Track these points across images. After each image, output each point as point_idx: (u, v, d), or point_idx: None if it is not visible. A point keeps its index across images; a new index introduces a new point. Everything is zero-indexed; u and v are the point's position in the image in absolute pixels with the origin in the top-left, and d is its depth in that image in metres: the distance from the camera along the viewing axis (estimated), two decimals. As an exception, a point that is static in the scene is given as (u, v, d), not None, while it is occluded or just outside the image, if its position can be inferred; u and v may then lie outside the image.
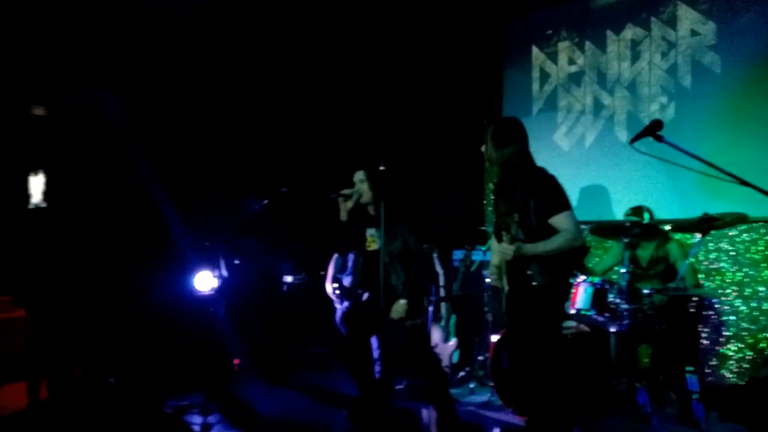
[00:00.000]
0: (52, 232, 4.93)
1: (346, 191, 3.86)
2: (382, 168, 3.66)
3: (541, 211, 3.00)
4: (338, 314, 4.94)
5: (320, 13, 5.78)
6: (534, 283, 2.99)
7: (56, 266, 4.72)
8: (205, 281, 4.58)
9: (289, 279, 6.02)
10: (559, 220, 2.97)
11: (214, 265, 4.77)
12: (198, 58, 5.69)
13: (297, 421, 4.08)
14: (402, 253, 3.75)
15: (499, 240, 3.06)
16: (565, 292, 3.33)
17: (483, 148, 3.29)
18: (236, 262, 4.88)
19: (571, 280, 3.78)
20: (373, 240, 3.86)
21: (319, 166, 6.28)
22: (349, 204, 3.85)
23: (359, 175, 3.93)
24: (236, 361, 5.03)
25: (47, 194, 5.54)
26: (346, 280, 4.86)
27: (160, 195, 5.16)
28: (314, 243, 5.98)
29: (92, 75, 5.23)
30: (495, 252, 3.33)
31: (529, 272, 2.99)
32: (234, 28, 5.67)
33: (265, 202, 4.92)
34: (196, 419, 3.94)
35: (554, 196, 3.03)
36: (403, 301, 3.66)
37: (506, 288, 3.15)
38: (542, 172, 3.15)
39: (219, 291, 4.59)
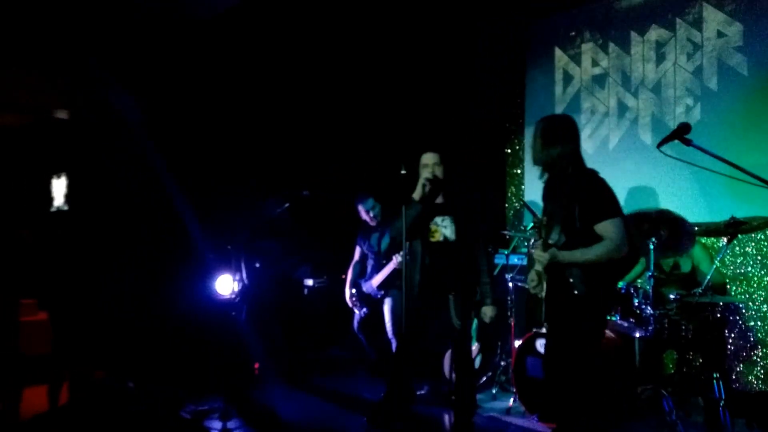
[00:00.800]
0: (75, 235, 4.97)
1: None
2: (403, 172, 3.56)
3: (587, 217, 2.86)
4: (356, 320, 4.92)
5: (347, 13, 5.78)
6: (575, 292, 2.85)
7: (78, 269, 4.76)
8: (226, 285, 4.59)
9: (310, 282, 6.03)
10: (604, 227, 2.83)
11: (235, 269, 4.78)
12: (220, 60, 5.73)
13: (317, 426, 4.07)
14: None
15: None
16: (608, 302, 3.19)
17: (531, 144, 3.13)
18: (257, 265, 4.89)
19: (617, 287, 3.70)
20: (436, 230, 3.56)
21: (339, 170, 6.30)
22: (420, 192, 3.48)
23: (431, 158, 3.58)
24: (257, 365, 5.03)
25: (69, 197, 5.60)
26: (366, 286, 4.84)
27: (182, 198, 5.19)
28: (335, 246, 5.98)
29: (113, 78, 5.27)
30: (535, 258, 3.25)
31: (570, 280, 2.85)
32: (255, 31, 5.69)
33: (287, 205, 4.93)
34: (216, 424, 3.94)
35: (601, 202, 2.88)
36: (492, 307, 3.60)
37: (542, 295, 3.02)
38: (592, 175, 2.99)
39: (239, 295, 4.60)
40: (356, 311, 4.90)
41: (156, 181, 5.26)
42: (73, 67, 5.45)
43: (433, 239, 3.57)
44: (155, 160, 5.23)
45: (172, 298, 4.73)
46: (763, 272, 4.61)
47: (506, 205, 6.34)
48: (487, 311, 3.59)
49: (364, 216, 4.92)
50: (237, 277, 4.70)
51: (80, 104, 5.69)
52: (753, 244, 4.63)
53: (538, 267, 2.96)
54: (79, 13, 5.07)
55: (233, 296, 4.54)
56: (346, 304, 5.03)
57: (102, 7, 5.07)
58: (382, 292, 4.71)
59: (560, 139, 2.98)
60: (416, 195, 3.51)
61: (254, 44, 5.80)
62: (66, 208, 6.13)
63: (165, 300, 4.75)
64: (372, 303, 4.85)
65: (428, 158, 3.58)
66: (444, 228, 3.55)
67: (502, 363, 4.71)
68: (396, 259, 4.53)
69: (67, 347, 4.30)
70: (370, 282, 4.78)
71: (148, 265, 4.96)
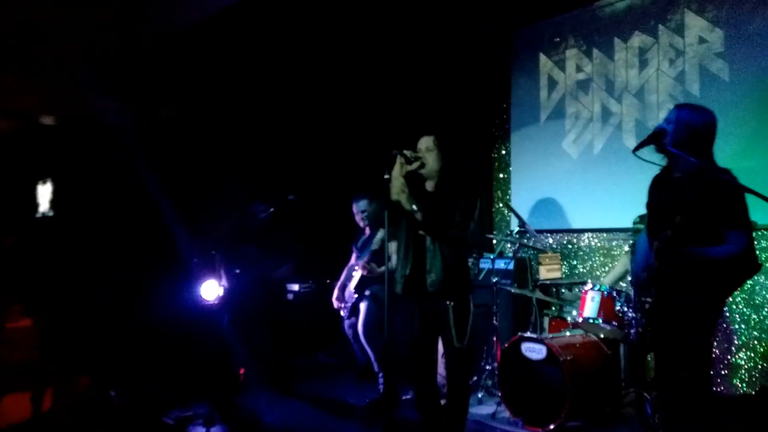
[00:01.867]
0: (60, 240, 4.95)
1: (408, 152, 3.15)
2: (386, 176, 3.51)
3: (719, 220, 2.62)
4: (346, 322, 4.90)
5: (328, 18, 5.80)
6: (689, 300, 2.64)
7: (64, 275, 4.74)
8: (211, 290, 4.57)
9: (296, 287, 6.02)
10: (734, 236, 2.61)
11: (218, 274, 4.77)
12: (207, 65, 5.72)
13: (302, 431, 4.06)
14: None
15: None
16: (718, 312, 2.94)
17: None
18: (237, 271, 4.87)
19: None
20: None
21: (325, 174, 6.31)
22: (407, 168, 3.10)
23: (426, 142, 3.26)
24: (242, 371, 5.01)
25: (55, 203, 5.58)
26: (348, 287, 4.82)
27: (166, 203, 5.18)
28: (322, 251, 5.98)
29: (99, 84, 5.27)
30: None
31: (684, 286, 2.65)
32: (242, 36, 5.69)
33: (272, 209, 4.93)
34: (200, 430, 3.91)
35: (739, 207, 2.63)
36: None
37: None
38: (730, 176, 2.66)
39: (221, 300, 4.58)
40: (342, 313, 4.88)
41: (141, 186, 5.25)
42: (59, 73, 5.44)
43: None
44: (141, 165, 5.22)
45: (156, 304, 4.71)
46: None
47: (492, 209, 6.36)
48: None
49: (355, 217, 4.89)
50: (221, 282, 4.69)
51: (66, 110, 5.68)
52: (735, 247, 4.67)
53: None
54: (65, 18, 5.06)
55: (217, 301, 4.53)
56: (332, 309, 5.01)
57: (88, 13, 5.06)
58: (356, 296, 4.69)
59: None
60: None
61: (241, 49, 5.81)
62: (51, 214, 6.10)
63: (150, 305, 4.74)
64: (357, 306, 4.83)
65: (422, 143, 3.30)
66: None
67: (488, 367, 4.72)
68: (359, 264, 4.53)
69: (51, 353, 4.27)
70: (350, 285, 4.78)
71: (133, 271, 4.95)
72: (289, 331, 5.57)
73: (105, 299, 4.78)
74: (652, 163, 2.80)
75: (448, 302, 3.09)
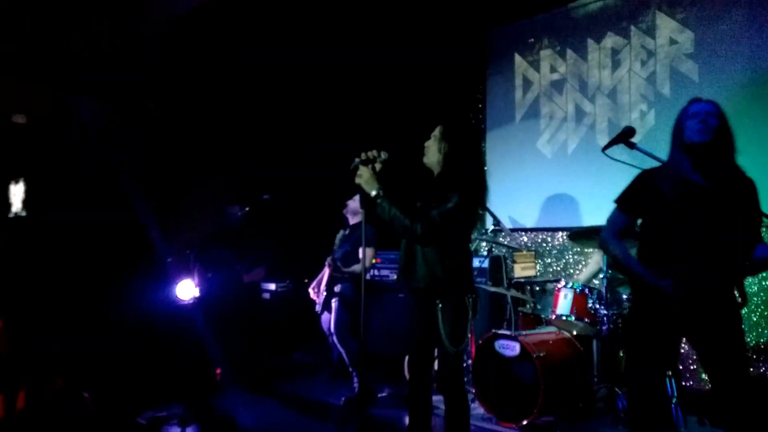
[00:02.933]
0: (32, 240, 4.88)
1: (364, 154, 2.99)
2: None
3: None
4: (324, 320, 4.89)
5: (305, 17, 5.79)
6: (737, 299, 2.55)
7: (36, 275, 4.68)
8: (186, 290, 4.55)
9: (272, 287, 6.00)
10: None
11: (193, 274, 4.75)
12: (180, 63, 5.68)
13: (278, 431, 4.06)
14: None
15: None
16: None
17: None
18: (209, 275, 4.85)
19: None
20: None
21: (301, 173, 6.30)
22: (378, 167, 2.95)
23: (435, 131, 3.14)
24: (218, 371, 5.00)
25: (27, 203, 5.49)
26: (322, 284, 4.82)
27: (142, 202, 5.13)
28: (298, 250, 5.98)
29: (70, 81, 5.20)
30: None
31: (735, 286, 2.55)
32: (213, 34, 5.66)
33: (247, 209, 4.91)
34: (175, 431, 3.90)
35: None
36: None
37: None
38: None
39: (195, 300, 4.56)
40: (317, 308, 4.88)
41: (115, 185, 5.19)
42: (32, 71, 5.36)
43: None
44: (115, 164, 5.17)
45: (131, 303, 4.67)
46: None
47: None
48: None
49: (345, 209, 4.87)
50: (195, 282, 4.67)
51: (39, 108, 5.59)
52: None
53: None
54: (37, 15, 4.99)
55: (192, 301, 4.51)
56: (308, 308, 5.01)
57: (62, 10, 5.00)
58: (325, 294, 4.70)
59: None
60: None
61: (215, 48, 5.78)
62: (24, 213, 6.01)
63: (124, 305, 4.69)
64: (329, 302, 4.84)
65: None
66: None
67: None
68: (328, 261, 4.54)
69: (24, 354, 4.22)
70: (320, 286, 4.79)
71: (106, 271, 4.89)
72: (266, 331, 5.57)
73: (77, 299, 4.73)
74: (622, 162, 2.83)
75: (437, 302, 2.88)
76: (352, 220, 4.82)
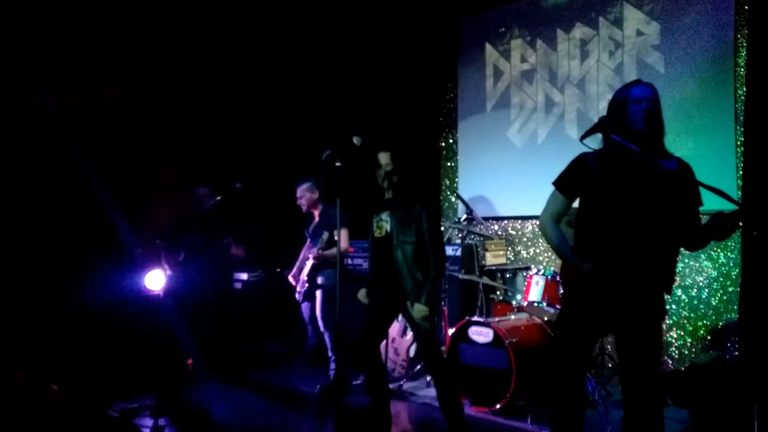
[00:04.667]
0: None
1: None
2: (338, 164, 3.54)
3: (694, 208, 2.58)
4: (304, 308, 4.85)
5: (275, 6, 5.72)
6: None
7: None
8: (156, 280, 4.47)
9: (244, 276, 5.94)
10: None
11: (161, 264, 4.67)
12: (144, 48, 5.54)
13: (252, 421, 4.04)
14: (416, 247, 3.36)
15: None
16: None
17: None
18: (180, 258, 4.77)
19: None
20: (381, 225, 3.51)
21: (272, 162, 6.23)
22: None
23: (384, 157, 3.51)
24: (190, 361, 4.93)
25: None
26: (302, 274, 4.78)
27: (107, 192, 5.01)
28: (271, 240, 5.92)
29: (30, 64, 5.02)
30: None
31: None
32: (180, 16, 5.55)
33: (219, 198, 4.84)
34: (147, 422, 3.84)
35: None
36: (423, 307, 3.30)
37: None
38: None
39: (166, 290, 4.49)
40: (297, 294, 4.84)
41: (80, 172, 5.05)
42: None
43: (377, 235, 3.53)
44: (75, 151, 5.01)
45: (98, 294, 4.57)
46: (677, 259, 4.89)
47: (440, 197, 6.46)
48: (416, 310, 3.33)
49: (298, 201, 4.81)
50: (165, 272, 4.59)
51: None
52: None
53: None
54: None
55: (162, 291, 4.43)
56: (281, 298, 4.98)
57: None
58: (308, 284, 4.68)
59: None
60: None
61: (182, 32, 5.66)
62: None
63: (91, 296, 4.58)
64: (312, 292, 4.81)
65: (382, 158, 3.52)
66: (385, 223, 3.49)
67: (437, 351, 4.81)
68: (312, 254, 4.52)
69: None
70: (304, 270, 4.76)
71: (72, 261, 4.77)
72: (238, 320, 5.52)
73: (42, 290, 4.61)
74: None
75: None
76: (316, 210, 4.77)
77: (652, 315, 2.51)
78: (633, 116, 2.52)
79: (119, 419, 3.88)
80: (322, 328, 4.61)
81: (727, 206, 2.35)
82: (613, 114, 2.58)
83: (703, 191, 2.49)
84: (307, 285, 4.65)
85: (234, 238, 4.80)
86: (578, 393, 2.64)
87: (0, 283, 4.47)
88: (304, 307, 4.78)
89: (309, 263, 4.61)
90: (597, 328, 2.65)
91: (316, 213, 4.76)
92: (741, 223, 2.41)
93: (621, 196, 2.50)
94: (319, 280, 4.61)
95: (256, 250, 5.54)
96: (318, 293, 4.63)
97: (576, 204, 2.76)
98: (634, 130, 2.51)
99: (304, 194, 4.70)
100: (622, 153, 2.50)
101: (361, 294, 3.67)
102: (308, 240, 4.88)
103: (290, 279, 4.89)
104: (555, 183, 2.76)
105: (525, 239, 5.79)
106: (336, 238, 3.84)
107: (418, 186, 3.47)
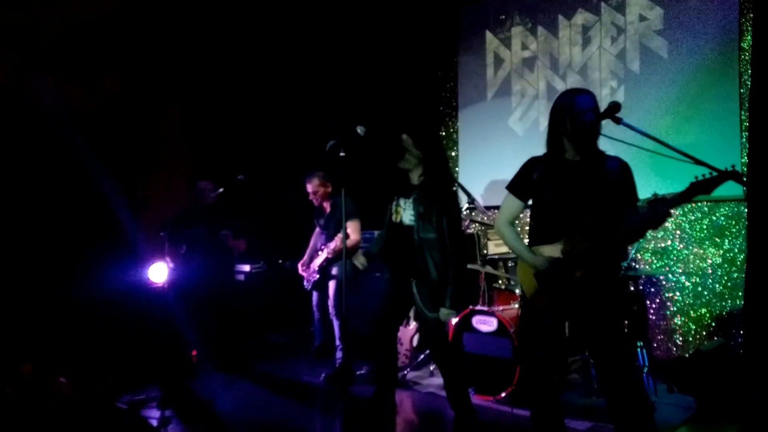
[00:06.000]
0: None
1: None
2: (342, 154, 3.49)
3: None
4: (315, 299, 4.86)
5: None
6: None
7: (3, 258, 4.52)
8: (160, 272, 4.46)
9: (246, 268, 5.93)
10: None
11: (165, 256, 4.66)
12: (146, 38, 5.50)
13: (258, 411, 4.04)
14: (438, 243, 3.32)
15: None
16: None
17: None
18: (182, 250, 4.76)
19: None
20: (398, 210, 3.47)
21: (275, 153, 6.21)
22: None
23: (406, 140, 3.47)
24: (194, 353, 4.94)
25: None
26: (313, 261, 4.77)
27: (112, 185, 4.99)
28: (273, 231, 5.92)
29: (31, 60, 4.99)
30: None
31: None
32: (183, 7, 5.50)
33: (221, 190, 4.83)
34: (154, 413, 3.84)
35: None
36: (448, 311, 3.29)
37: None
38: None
39: (169, 282, 4.48)
40: (305, 283, 4.85)
41: (84, 165, 5.03)
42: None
43: (395, 219, 3.50)
44: (77, 144, 4.99)
45: (103, 286, 4.56)
46: (681, 246, 4.89)
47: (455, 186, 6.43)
48: (443, 313, 3.30)
49: (309, 195, 4.79)
50: (169, 264, 4.59)
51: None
52: (673, 220, 4.90)
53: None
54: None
55: (166, 283, 4.42)
56: (284, 289, 4.98)
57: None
58: (317, 276, 4.68)
59: None
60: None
61: (186, 22, 5.62)
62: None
63: (95, 288, 4.58)
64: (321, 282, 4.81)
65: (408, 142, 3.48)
66: (403, 209, 3.46)
67: (441, 341, 4.81)
68: (329, 247, 4.50)
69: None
70: (315, 261, 4.76)
71: (76, 254, 4.76)
72: (241, 312, 5.51)
73: (47, 283, 4.60)
74: (607, 137, 2.86)
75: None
76: (327, 202, 4.76)
77: (613, 301, 2.66)
78: (575, 125, 2.67)
79: (126, 411, 3.88)
80: (332, 317, 4.62)
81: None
82: (556, 120, 2.75)
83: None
84: (317, 276, 4.65)
85: (232, 230, 4.79)
86: (550, 385, 2.79)
87: (5, 277, 4.47)
88: (315, 295, 4.80)
89: (322, 254, 4.59)
90: (558, 316, 2.76)
91: (327, 204, 4.75)
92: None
93: (560, 198, 2.70)
94: (334, 271, 4.62)
95: (258, 242, 5.54)
96: (331, 284, 4.63)
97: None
98: (573, 136, 2.68)
99: (319, 188, 4.69)
100: (560, 158, 2.73)
101: (361, 260, 3.63)
102: (317, 229, 4.88)
103: (299, 267, 4.89)
104: (508, 188, 2.91)
105: (527, 228, 5.77)
106: (348, 230, 3.83)
107: (445, 177, 3.45)
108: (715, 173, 2.43)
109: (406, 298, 3.49)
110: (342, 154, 3.40)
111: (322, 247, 4.65)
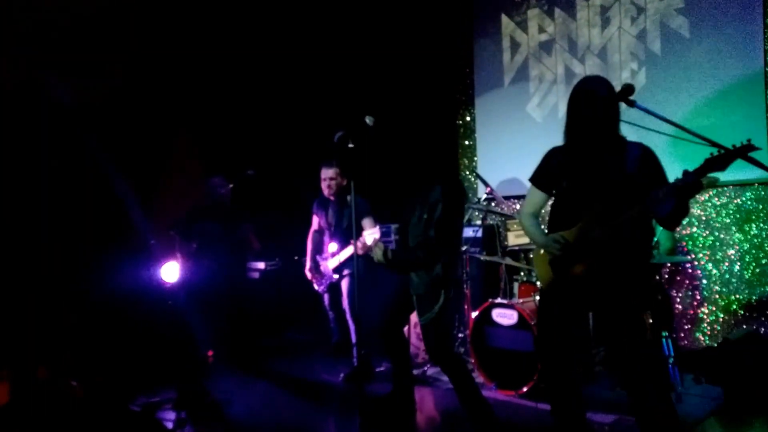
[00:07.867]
0: (10, 224, 4.71)
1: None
2: (351, 145, 3.37)
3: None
4: (326, 297, 4.74)
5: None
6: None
7: (15, 261, 4.52)
8: (172, 272, 4.41)
9: (261, 266, 5.88)
10: None
11: (176, 255, 4.62)
12: (153, 35, 5.45)
13: (276, 411, 3.99)
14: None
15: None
16: None
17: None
18: (194, 246, 4.72)
19: None
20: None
21: (287, 147, 6.14)
22: None
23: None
24: (210, 353, 4.90)
25: (3, 184, 5.29)
26: (323, 266, 4.64)
27: (122, 183, 4.97)
28: (287, 227, 5.86)
29: (43, 60, 4.97)
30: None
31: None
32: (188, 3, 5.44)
33: (231, 185, 4.77)
34: (169, 415, 3.81)
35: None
36: (380, 248, 3.28)
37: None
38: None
39: (181, 281, 4.43)
40: (316, 287, 4.72)
41: (97, 166, 5.01)
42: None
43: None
44: (91, 143, 4.97)
45: (115, 288, 4.54)
46: (707, 233, 4.73)
47: (459, 176, 6.31)
48: (376, 250, 3.28)
49: (322, 183, 4.61)
50: (180, 264, 4.54)
51: (8, 87, 5.35)
52: (698, 205, 4.74)
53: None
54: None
55: (178, 283, 4.37)
56: (300, 286, 4.88)
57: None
58: (338, 276, 4.55)
59: None
60: None
61: (192, 17, 5.56)
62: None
63: (108, 290, 4.56)
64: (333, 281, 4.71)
65: None
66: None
67: (460, 335, 4.72)
68: (359, 244, 4.36)
69: (5, 344, 4.09)
70: (326, 264, 4.61)
71: (89, 255, 4.75)
72: (257, 310, 5.47)
73: (60, 285, 4.59)
74: (629, 123, 2.74)
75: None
76: (336, 195, 4.58)
77: (628, 291, 2.59)
78: (593, 113, 2.59)
79: (141, 413, 3.85)
80: (348, 316, 4.50)
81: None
82: (570, 109, 2.67)
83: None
84: (336, 277, 4.52)
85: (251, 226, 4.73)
86: (569, 378, 2.73)
87: (18, 279, 4.47)
88: (327, 297, 4.68)
89: (345, 253, 4.45)
90: (575, 307, 2.72)
91: (336, 199, 4.59)
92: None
93: (575, 185, 2.67)
94: (346, 270, 4.48)
95: (273, 239, 5.48)
96: (344, 282, 4.51)
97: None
98: (586, 123, 2.60)
99: (336, 177, 4.43)
100: (579, 146, 2.66)
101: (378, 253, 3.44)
102: (312, 230, 4.72)
103: (307, 273, 4.73)
104: (531, 180, 2.89)
105: (548, 217, 5.63)
106: (365, 227, 3.73)
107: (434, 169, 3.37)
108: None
109: (409, 299, 3.45)
110: (351, 145, 3.28)
111: (326, 255, 4.52)
